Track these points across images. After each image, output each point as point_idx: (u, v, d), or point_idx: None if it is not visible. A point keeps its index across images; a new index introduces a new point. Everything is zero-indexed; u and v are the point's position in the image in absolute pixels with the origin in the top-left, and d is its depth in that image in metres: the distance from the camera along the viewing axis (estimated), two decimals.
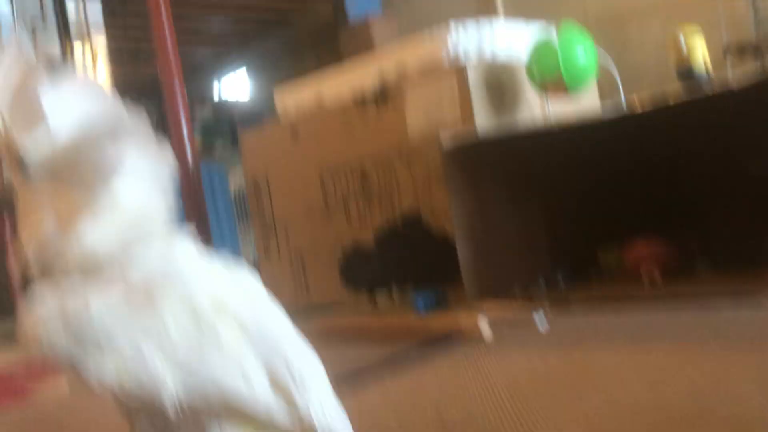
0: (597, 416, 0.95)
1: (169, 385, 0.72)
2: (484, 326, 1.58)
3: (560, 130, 2.07)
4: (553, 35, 2.12)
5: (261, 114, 7.65)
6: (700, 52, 1.96)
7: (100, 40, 5.77)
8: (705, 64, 1.96)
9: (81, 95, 0.92)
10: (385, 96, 2.37)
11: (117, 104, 0.92)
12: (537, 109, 2.32)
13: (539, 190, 2.23)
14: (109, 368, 0.73)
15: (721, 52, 4.17)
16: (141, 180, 0.88)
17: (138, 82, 8.53)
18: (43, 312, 0.75)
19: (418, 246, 2.39)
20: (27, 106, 0.88)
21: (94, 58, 5.73)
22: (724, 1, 4.22)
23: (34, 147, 0.86)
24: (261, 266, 2.81)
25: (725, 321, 1.41)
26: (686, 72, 1.95)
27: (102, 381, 0.72)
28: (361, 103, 2.43)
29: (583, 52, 2.07)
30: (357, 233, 2.49)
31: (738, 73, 4.18)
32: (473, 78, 2.15)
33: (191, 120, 6.89)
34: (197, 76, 8.66)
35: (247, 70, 7.85)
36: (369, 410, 1.18)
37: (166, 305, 0.75)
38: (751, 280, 1.71)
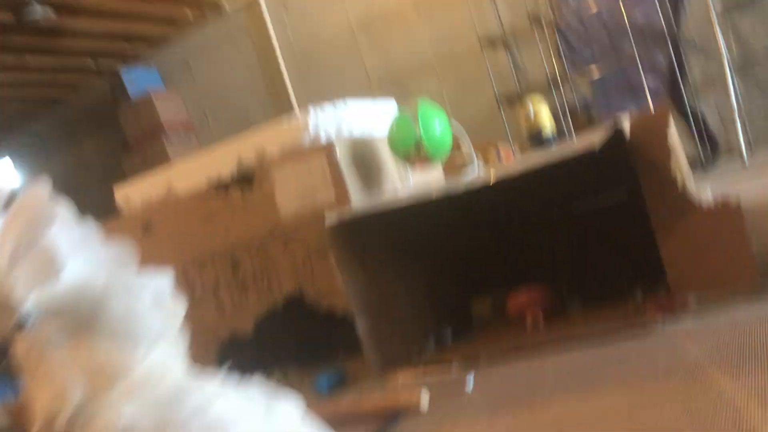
0: None
1: None
2: (424, 399, 1.63)
3: (430, 198, 2.19)
4: (409, 110, 2.26)
5: None
6: (546, 118, 2.20)
7: None
8: (551, 127, 2.21)
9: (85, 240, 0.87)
10: (249, 180, 2.35)
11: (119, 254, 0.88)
12: (398, 180, 2.44)
13: (417, 256, 2.34)
14: None
15: (495, 102, 4.73)
16: (167, 342, 0.85)
17: None
18: None
19: (303, 326, 2.38)
20: (39, 256, 0.81)
21: None
22: (489, 58, 4.78)
23: (48, 299, 0.79)
24: None
25: (628, 354, 1.59)
26: (537, 136, 2.19)
27: None
28: (222, 188, 2.39)
29: (440, 124, 2.24)
30: (233, 323, 2.41)
31: (510, 117, 4.74)
32: (341, 155, 2.22)
33: None
34: None
35: (12, 158, 7.20)
36: None
37: None
38: (621, 314, 1.94)
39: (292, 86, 5.69)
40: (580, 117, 4.55)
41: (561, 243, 2.51)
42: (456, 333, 2.25)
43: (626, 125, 1.87)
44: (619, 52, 4.41)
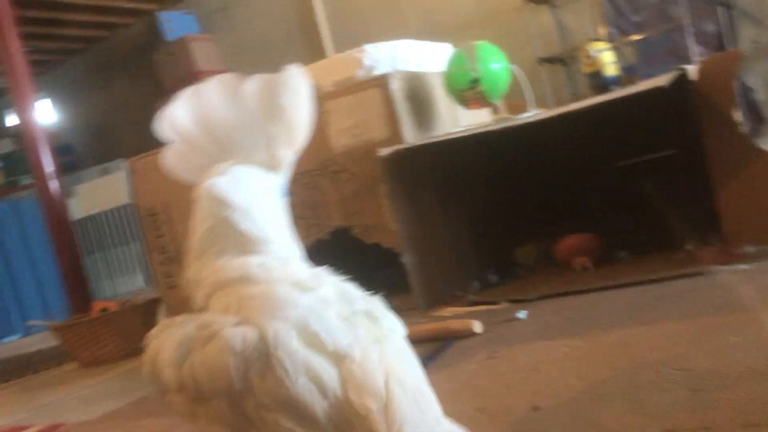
0: (640, 388, 1.05)
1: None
2: (477, 326, 1.64)
3: (481, 135, 2.18)
4: (467, 49, 2.24)
5: (71, 143, 7.11)
6: (608, 59, 2.17)
7: None
8: (614, 72, 2.18)
9: None
10: None
11: None
12: (450, 119, 2.43)
13: (464, 198, 2.34)
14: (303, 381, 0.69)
15: (536, 63, 4.66)
16: None
17: None
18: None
19: (349, 258, 2.38)
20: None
21: None
22: (533, 17, 4.71)
23: None
24: (166, 296, 2.64)
25: (683, 292, 1.59)
26: (598, 78, 2.16)
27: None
28: None
29: (498, 65, 2.21)
30: None
31: (550, 78, 4.69)
32: (395, 89, 2.21)
33: None
34: None
35: (51, 98, 7.24)
36: None
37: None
38: (673, 263, 1.92)
39: (331, 39, 5.65)
40: (622, 82, 4.49)
41: (608, 193, 2.50)
42: (501, 278, 2.25)
43: (692, 69, 1.84)
44: (667, 18, 4.33)
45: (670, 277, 1.72)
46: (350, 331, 0.73)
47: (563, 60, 4.78)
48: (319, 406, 0.69)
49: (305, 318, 0.72)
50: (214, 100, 0.83)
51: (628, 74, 4.53)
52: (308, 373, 0.70)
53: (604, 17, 4.53)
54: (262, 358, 0.69)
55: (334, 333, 0.72)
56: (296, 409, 0.69)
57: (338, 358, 0.71)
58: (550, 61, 4.74)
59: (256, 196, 0.79)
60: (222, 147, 0.83)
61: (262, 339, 0.70)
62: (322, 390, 0.70)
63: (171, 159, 0.85)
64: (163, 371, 0.74)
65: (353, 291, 0.79)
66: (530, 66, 4.71)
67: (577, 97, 4.09)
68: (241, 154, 0.83)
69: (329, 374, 0.70)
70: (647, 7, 4.41)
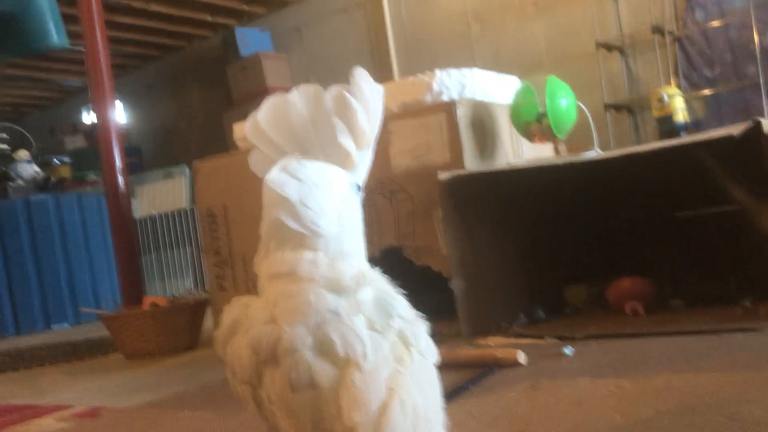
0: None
1: None
2: (521, 356, 1.62)
3: (543, 169, 2.18)
4: (536, 83, 2.25)
5: (138, 145, 7.34)
6: (679, 104, 2.15)
7: None
8: (684, 118, 2.16)
9: None
10: None
11: None
12: (512, 151, 2.43)
13: (519, 231, 2.33)
14: None
15: (602, 109, 4.63)
16: None
17: (7, 104, 7.91)
18: None
19: (397, 279, 2.39)
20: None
21: None
22: (603, 64, 4.69)
23: None
24: (214, 298, 2.69)
25: (737, 345, 1.55)
26: (668, 122, 2.14)
27: None
28: None
29: (566, 101, 2.22)
30: None
31: (615, 125, 4.66)
32: (461, 115, 2.23)
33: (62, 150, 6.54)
34: (67, 105, 8.15)
35: (123, 100, 7.49)
36: (460, 424, 1.19)
37: None
38: (729, 317, 1.88)
39: (398, 65, 5.73)
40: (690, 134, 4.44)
41: (666, 242, 2.45)
42: (548, 315, 2.23)
43: (765, 122, 1.81)
44: (741, 75, 4.27)
45: (725, 330, 1.68)
46: (372, 342, 0.73)
47: (630, 108, 4.75)
48: (312, 416, 0.71)
49: (326, 324, 0.73)
50: (296, 106, 0.86)
51: (696, 128, 4.48)
52: (311, 382, 0.71)
53: (677, 69, 4.49)
54: (275, 361, 0.72)
55: (351, 341, 0.72)
56: (294, 415, 0.71)
57: (346, 365, 0.72)
58: (616, 108, 4.72)
59: (319, 189, 0.81)
60: (302, 149, 0.86)
61: (280, 342, 0.72)
62: (318, 401, 0.71)
63: (255, 161, 0.89)
64: (216, 346, 0.78)
65: (396, 301, 0.79)
66: (596, 111, 4.69)
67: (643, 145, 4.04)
68: (317, 153, 0.86)
69: (331, 381, 0.71)
70: (721, 63, 4.36)
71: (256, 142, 0.88)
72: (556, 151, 2.80)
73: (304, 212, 0.78)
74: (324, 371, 0.71)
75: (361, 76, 0.86)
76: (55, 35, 3.89)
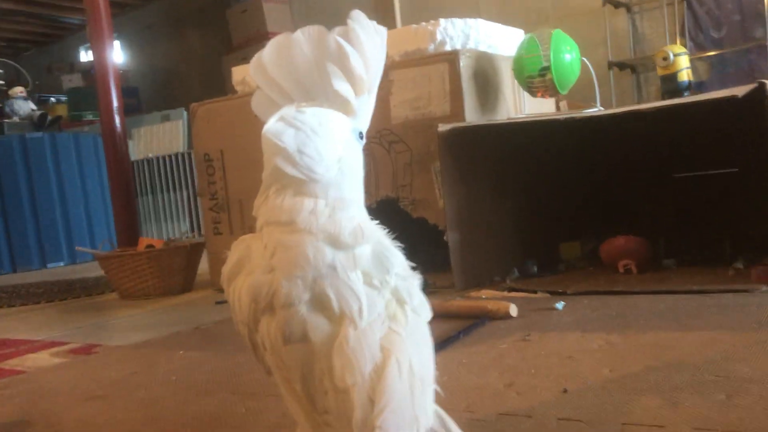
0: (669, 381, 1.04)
1: None
2: (513, 309, 1.64)
3: (544, 123, 2.16)
4: (541, 36, 2.22)
5: (136, 86, 7.25)
6: (684, 63, 2.13)
7: None
8: (688, 77, 2.14)
9: None
10: None
11: None
12: (513, 104, 2.41)
13: (515, 186, 2.32)
14: None
15: (605, 66, 4.59)
16: None
17: (3, 39, 7.78)
18: None
19: (393, 231, 2.40)
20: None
21: None
22: (610, 21, 4.63)
23: None
24: (209, 242, 2.69)
25: (727, 305, 1.56)
26: (672, 81, 2.12)
27: None
28: None
29: (570, 56, 2.19)
30: None
31: (618, 83, 4.62)
32: (464, 66, 2.20)
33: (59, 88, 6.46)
34: (64, 43, 8.03)
35: (121, 40, 7.39)
36: (451, 373, 1.21)
37: None
38: (721, 277, 1.89)
39: (401, 13, 5.65)
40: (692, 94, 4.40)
41: (661, 202, 2.46)
42: (541, 270, 2.24)
43: None
44: (748, 37, 4.22)
45: (716, 290, 1.70)
46: (368, 297, 0.73)
47: (633, 66, 4.70)
48: (302, 370, 0.71)
49: (322, 278, 0.73)
50: (301, 48, 0.84)
51: (699, 90, 4.44)
52: (304, 336, 0.71)
53: (683, 29, 4.43)
54: (271, 311, 0.73)
55: (347, 297, 0.72)
56: (285, 367, 0.72)
57: (340, 321, 0.72)
58: (620, 66, 4.67)
59: (317, 136, 0.80)
60: (306, 93, 0.85)
61: (276, 295, 0.73)
62: (310, 356, 0.71)
63: (257, 104, 0.87)
64: (222, 282, 0.80)
65: (393, 256, 0.78)
66: (600, 68, 4.64)
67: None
68: (320, 98, 0.85)
69: (324, 337, 0.71)
70: (729, 24, 4.30)
71: (259, 82, 0.87)
72: (558, 106, 2.78)
73: (300, 159, 0.78)
74: (318, 326, 0.71)
75: (358, 19, 0.84)
76: None
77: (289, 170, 0.78)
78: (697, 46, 4.39)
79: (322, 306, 0.72)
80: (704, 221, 2.26)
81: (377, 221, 0.83)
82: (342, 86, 0.84)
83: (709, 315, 1.50)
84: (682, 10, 4.44)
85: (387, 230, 0.83)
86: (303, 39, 0.85)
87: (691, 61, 4.33)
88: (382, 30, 0.88)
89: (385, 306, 0.75)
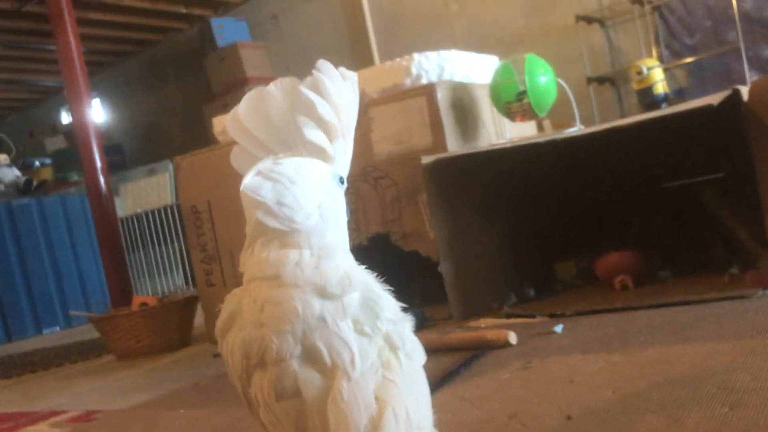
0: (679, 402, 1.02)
1: None
2: (512, 337, 1.62)
3: (526, 147, 2.16)
4: (515, 61, 2.24)
5: (119, 142, 7.27)
6: (659, 76, 2.15)
7: None
8: (663, 90, 2.15)
9: None
10: None
11: None
12: (494, 130, 2.42)
13: (505, 210, 2.32)
14: None
15: (584, 82, 4.62)
16: None
17: None
18: None
19: (387, 266, 2.38)
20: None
21: None
22: (585, 37, 4.67)
23: None
24: (203, 295, 2.67)
25: (725, 314, 1.55)
26: (648, 94, 2.13)
27: None
28: None
29: (546, 78, 2.20)
30: None
31: (599, 98, 4.65)
32: (441, 97, 2.21)
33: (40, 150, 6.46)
34: (45, 106, 8.06)
35: (101, 98, 7.42)
36: (453, 409, 1.19)
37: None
38: (716, 285, 1.88)
39: (377, 49, 5.69)
40: (672, 104, 4.43)
41: (653, 214, 2.46)
42: (539, 293, 2.23)
43: (744, 90, 1.81)
44: (722, 41, 4.26)
45: (713, 299, 1.69)
46: (360, 347, 0.73)
47: (612, 80, 4.74)
48: (296, 426, 0.71)
49: (312, 331, 0.73)
50: (275, 100, 0.85)
51: (679, 97, 4.48)
52: (297, 392, 0.71)
53: (657, 38, 4.48)
54: (263, 366, 0.73)
55: (338, 348, 0.72)
56: (279, 423, 0.71)
57: (333, 374, 0.71)
58: (599, 80, 4.70)
59: (295, 185, 0.80)
60: (283, 143, 0.85)
61: (267, 351, 0.72)
62: (303, 412, 0.71)
63: (236, 158, 0.88)
64: (216, 336, 0.81)
65: (382, 301, 0.77)
66: (579, 85, 4.67)
67: (625, 118, 4.05)
68: (297, 147, 0.85)
69: (317, 392, 0.71)
70: (701, 30, 4.35)
71: (236, 137, 0.87)
72: (541, 127, 2.80)
73: (280, 210, 0.78)
74: (310, 381, 0.71)
75: (324, 69, 0.85)
76: None
77: (270, 222, 0.78)
78: (672, 54, 4.43)
79: (313, 359, 0.72)
80: (696, 229, 2.26)
81: (364, 264, 0.82)
82: (314, 134, 0.84)
83: (708, 325, 1.49)
84: (655, 20, 4.49)
85: (375, 272, 0.83)
86: (276, 91, 0.86)
87: (668, 69, 4.39)
88: (351, 75, 0.89)
89: (377, 353, 0.74)
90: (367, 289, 0.77)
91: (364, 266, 0.82)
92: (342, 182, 0.87)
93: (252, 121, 0.86)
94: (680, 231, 2.28)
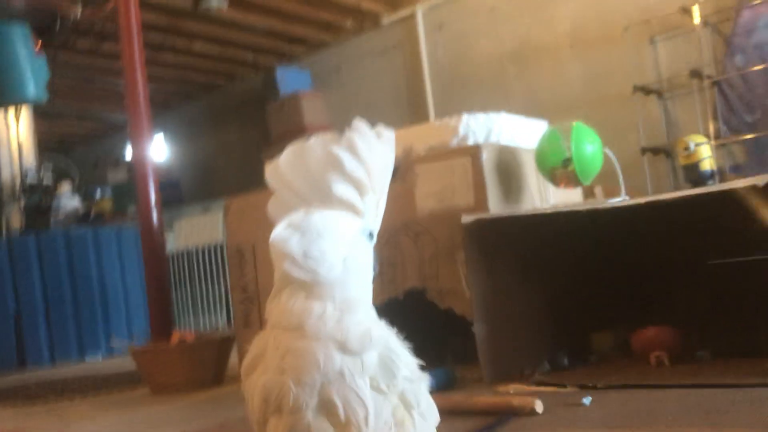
0: None
1: None
2: (538, 405, 1.60)
3: (568, 214, 2.16)
4: (562, 128, 2.25)
5: (179, 180, 7.49)
6: (706, 153, 2.13)
7: None
8: (710, 167, 2.14)
9: None
10: (394, 172, 2.40)
11: None
12: (537, 195, 2.43)
13: (544, 275, 2.31)
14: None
15: (639, 152, 4.58)
16: None
17: (55, 139, 8.17)
18: None
19: (421, 322, 2.38)
20: None
21: (17, 114, 5.48)
22: (642, 108, 4.66)
23: None
24: (239, 335, 2.71)
25: (761, 399, 1.50)
26: (694, 171, 2.12)
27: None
28: None
29: (592, 147, 2.21)
30: None
31: (653, 169, 4.60)
32: (486, 159, 2.23)
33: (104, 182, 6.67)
34: (111, 140, 8.39)
35: (165, 135, 7.69)
36: None
37: None
38: (757, 369, 1.82)
39: (434, 106, 5.78)
40: (728, 180, 4.35)
41: (694, 291, 2.40)
42: (572, 362, 2.19)
43: None
44: None
45: (751, 384, 1.64)
46: (375, 404, 0.74)
47: (667, 152, 4.69)
48: None
49: (330, 384, 0.74)
50: (314, 154, 0.89)
51: (737, 173, 4.40)
52: None
53: (715, 113, 4.44)
54: (280, 412, 0.75)
55: (354, 404, 0.74)
56: None
57: (346, 429, 0.73)
58: (653, 151, 4.67)
59: (322, 238, 0.83)
60: (321, 195, 0.89)
61: (285, 398, 0.74)
62: None
63: (273, 207, 0.92)
64: (242, 377, 0.84)
65: (400, 360, 0.79)
66: (633, 155, 4.64)
67: (678, 190, 3.99)
68: (331, 202, 0.89)
69: None
70: (762, 107, 4.29)
71: (276, 186, 0.91)
72: (591, 194, 2.79)
73: (305, 262, 0.81)
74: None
75: (357, 128, 0.89)
76: (33, 89, 4.46)
77: (296, 273, 0.81)
78: (731, 130, 4.37)
79: (328, 412, 0.73)
80: (740, 310, 2.20)
81: (398, 318, 0.84)
82: (343, 189, 0.87)
83: (741, 411, 1.44)
84: (713, 95, 4.46)
85: (406, 328, 0.84)
86: (315, 146, 0.90)
87: (725, 145, 4.33)
88: (387, 134, 0.92)
89: (392, 412, 0.75)
90: (386, 347, 0.79)
91: (388, 322, 0.84)
92: (371, 237, 0.90)
93: (291, 172, 0.90)
94: (724, 310, 2.22)
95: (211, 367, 2.76)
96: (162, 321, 3.21)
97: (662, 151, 4.68)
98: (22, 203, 5.34)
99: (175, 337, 2.90)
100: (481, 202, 2.20)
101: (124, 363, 4.09)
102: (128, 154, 7.77)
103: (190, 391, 2.71)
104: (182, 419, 2.18)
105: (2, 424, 2.48)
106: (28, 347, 4.78)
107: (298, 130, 6.23)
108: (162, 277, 3.25)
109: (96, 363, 4.70)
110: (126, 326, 5.05)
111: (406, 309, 2.40)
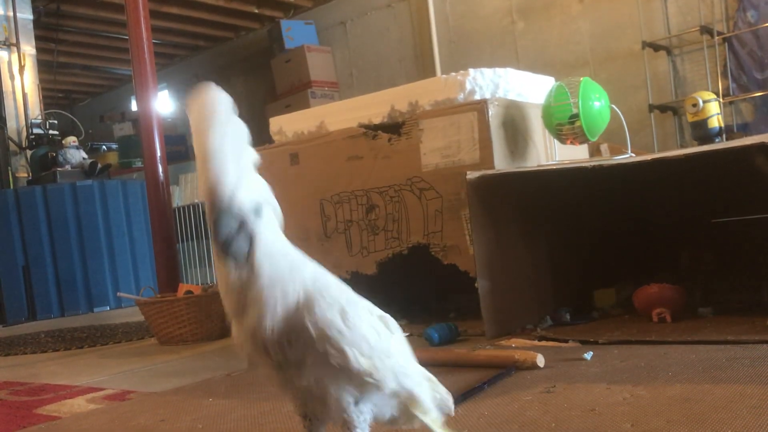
0: None
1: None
2: (540, 359, 1.63)
3: (573, 171, 2.16)
4: (570, 84, 2.23)
5: (184, 134, 7.47)
6: (714, 110, 2.12)
7: (28, 50, 5.54)
8: (718, 124, 2.12)
9: None
10: (398, 127, 2.40)
11: None
12: (543, 151, 2.42)
13: (548, 233, 2.32)
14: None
15: (646, 110, 4.55)
16: None
17: (60, 91, 8.13)
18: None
19: (424, 277, 2.41)
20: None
21: (21, 66, 5.45)
22: (650, 65, 4.61)
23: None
24: None
25: (762, 356, 1.52)
26: (701, 128, 2.10)
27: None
28: (371, 132, 2.45)
29: (599, 103, 2.19)
30: (358, 263, 2.48)
31: (659, 126, 4.58)
32: (492, 114, 2.22)
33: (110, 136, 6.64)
34: (116, 93, 8.35)
35: (169, 90, 7.64)
36: (470, 425, 1.20)
37: None
38: (759, 327, 1.84)
39: (440, 61, 5.72)
40: (734, 138, 4.32)
41: (698, 248, 2.42)
42: (575, 318, 2.21)
43: None
44: None
45: (750, 341, 1.66)
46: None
47: (675, 109, 4.66)
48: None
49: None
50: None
51: (744, 132, 4.37)
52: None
53: (725, 70, 4.39)
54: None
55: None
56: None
57: None
58: (661, 109, 4.63)
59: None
60: None
61: None
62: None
63: None
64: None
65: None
66: (640, 112, 4.62)
67: (684, 148, 3.97)
68: None
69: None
70: None
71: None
72: (597, 151, 2.78)
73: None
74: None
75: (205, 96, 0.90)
76: None
77: None
78: (740, 87, 4.33)
79: None
80: (743, 268, 2.21)
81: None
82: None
83: (740, 367, 1.46)
84: (724, 52, 4.40)
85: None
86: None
87: (734, 102, 4.29)
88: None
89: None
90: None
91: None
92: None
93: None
94: (727, 269, 2.24)
95: (217, 319, 2.79)
96: (169, 274, 3.24)
97: (669, 109, 4.64)
98: (29, 155, 5.35)
99: (182, 289, 2.94)
100: (486, 158, 2.20)
101: (132, 315, 4.15)
102: (134, 107, 7.75)
103: (197, 342, 2.75)
104: (189, 370, 2.22)
105: (15, 372, 2.53)
106: (38, 299, 4.84)
107: (304, 86, 6.20)
108: (168, 230, 3.27)
109: (104, 314, 4.76)
110: (133, 279, 5.10)
111: (410, 264, 2.42)
